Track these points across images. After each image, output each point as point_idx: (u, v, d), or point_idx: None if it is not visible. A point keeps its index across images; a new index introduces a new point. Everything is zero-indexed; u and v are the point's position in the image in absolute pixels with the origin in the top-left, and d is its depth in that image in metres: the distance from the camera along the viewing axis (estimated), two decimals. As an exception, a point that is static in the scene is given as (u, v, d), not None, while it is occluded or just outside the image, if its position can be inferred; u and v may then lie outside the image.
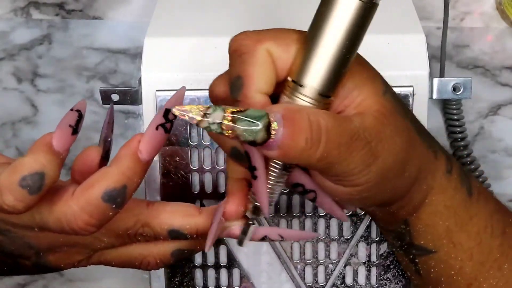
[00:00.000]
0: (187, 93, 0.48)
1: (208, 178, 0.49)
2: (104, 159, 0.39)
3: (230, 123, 0.33)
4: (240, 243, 0.39)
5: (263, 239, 0.40)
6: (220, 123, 0.33)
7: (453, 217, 0.42)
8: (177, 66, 0.49)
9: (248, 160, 0.36)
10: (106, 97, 0.50)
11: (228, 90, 0.37)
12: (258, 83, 0.35)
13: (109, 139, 0.40)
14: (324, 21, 0.34)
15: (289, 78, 0.35)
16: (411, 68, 0.49)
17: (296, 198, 0.50)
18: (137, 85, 0.50)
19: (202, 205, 0.50)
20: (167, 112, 0.36)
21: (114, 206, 0.36)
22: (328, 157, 0.35)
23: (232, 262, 0.51)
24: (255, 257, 0.51)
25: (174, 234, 0.40)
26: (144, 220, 0.40)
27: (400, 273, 0.51)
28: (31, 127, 0.65)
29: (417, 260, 0.43)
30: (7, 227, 0.40)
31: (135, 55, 0.63)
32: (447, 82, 0.50)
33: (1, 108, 0.64)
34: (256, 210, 0.38)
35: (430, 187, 0.41)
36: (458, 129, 0.61)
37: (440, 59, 0.60)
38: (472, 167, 0.61)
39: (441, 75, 0.60)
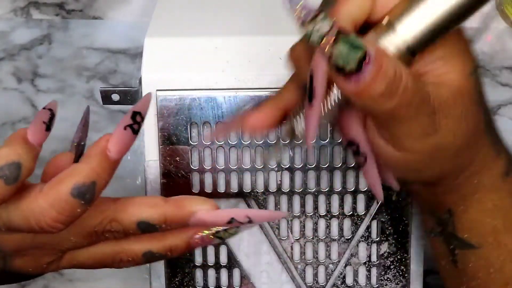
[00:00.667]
0: (187, 93, 0.49)
1: (208, 178, 0.49)
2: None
3: (332, 40, 0.33)
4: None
5: (230, 222, 0.39)
6: (323, 35, 0.33)
7: (502, 218, 0.42)
8: (177, 66, 0.49)
9: (309, 82, 0.35)
10: (106, 97, 0.50)
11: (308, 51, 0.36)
12: (351, 7, 0.35)
13: (82, 143, 0.42)
14: None
15: (385, 20, 0.35)
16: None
17: (296, 198, 0.50)
18: (137, 85, 0.50)
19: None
20: (134, 114, 0.37)
21: (83, 202, 0.36)
22: (396, 112, 0.35)
23: (232, 262, 0.51)
24: (255, 257, 0.51)
25: (143, 226, 0.39)
26: (112, 215, 0.39)
27: (400, 273, 0.51)
28: (31, 127, 0.65)
29: (456, 252, 0.43)
30: None
31: (135, 55, 0.63)
32: (447, 82, 0.50)
33: (1, 108, 0.64)
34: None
35: (482, 184, 0.41)
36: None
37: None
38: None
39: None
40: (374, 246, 0.50)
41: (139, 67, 0.49)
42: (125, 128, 0.37)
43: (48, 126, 0.37)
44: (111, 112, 0.63)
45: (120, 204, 0.40)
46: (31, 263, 0.41)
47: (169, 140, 0.48)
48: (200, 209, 0.39)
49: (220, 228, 0.40)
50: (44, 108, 0.38)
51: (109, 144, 0.37)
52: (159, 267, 0.51)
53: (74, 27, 0.63)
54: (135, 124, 0.37)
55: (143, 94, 0.48)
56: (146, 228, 0.39)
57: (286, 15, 0.53)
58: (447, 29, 0.35)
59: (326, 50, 0.33)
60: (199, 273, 0.51)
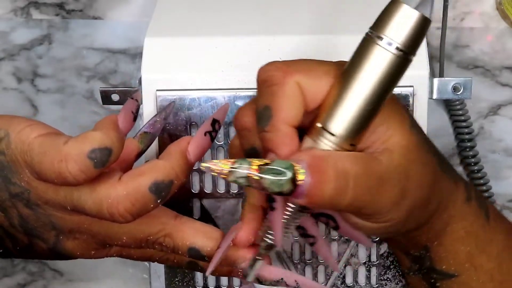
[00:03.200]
0: (187, 93, 0.49)
1: (208, 178, 0.49)
2: (140, 154, 0.42)
3: (257, 177, 0.33)
4: (246, 276, 0.39)
5: (279, 281, 0.40)
6: (247, 177, 0.34)
7: (474, 241, 0.42)
8: (177, 66, 0.49)
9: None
10: (106, 97, 0.50)
11: (255, 120, 0.37)
12: (287, 115, 0.35)
13: (156, 135, 0.43)
14: (357, 73, 0.34)
15: (318, 124, 0.35)
16: (411, 68, 0.48)
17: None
18: (137, 85, 0.50)
19: (202, 205, 0.50)
20: (214, 122, 0.40)
21: (157, 198, 0.37)
22: (357, 202, 0.35)
23: (232, 262, 0.51)
24: (255, 257, 0.51)
25: (193, 253, 0.40)
26: (169, 230, 0.40)
27: (400, 273, 0.51)
28: (31, 127, 0.65)
29: (438, 284, 0.44)
30: (39, 202, 0.40)
31: (135, 55, 0.63)
32: (447, 82, 0.50)
33: (1, 108, 0.64)
34: (268, 247, 0.38)
35: (451, 215, 0.41)
36: (466, 130, 0.61)
37: (439, 58, 0.60)
38: (476, 168, 0.61)
39: (441, 75, 0.60)
40: (373, 246, 0.50)
41: (139, 67, 0.49)
42: (205, 134, 0.39)
43: (135, 117, 0.39)
44: (111, 112, 0.63)
45: (180, 223, 0.41)
46: (81, 248, 0.42)
47: (169, 140, 0.48)
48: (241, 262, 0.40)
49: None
50: (131, 98, 0.39)
51: (189, 146, 0.39)
52: (159, 267, 0.51)
53: (74, 27, 0.63)
54: (214, 131, 0.40)
55: (143, 94, 0.48)
56: (195, 255, 0.40)
57: (286, 15, 0.53)
58: (377, 112, 0.35)
59: (257, 186, 0.34)
60: (199, 273, 0.51)
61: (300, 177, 0.34)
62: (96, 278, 0.68)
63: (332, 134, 0.35)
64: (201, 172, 0.49)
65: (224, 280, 0.51)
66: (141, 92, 0.49)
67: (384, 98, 0.35)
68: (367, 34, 0.35)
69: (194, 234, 0.40)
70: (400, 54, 0.34)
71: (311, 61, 0.37)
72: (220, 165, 0.34)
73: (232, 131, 0.49)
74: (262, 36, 0.50)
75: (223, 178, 0.34)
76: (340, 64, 0.36)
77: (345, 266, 0.51)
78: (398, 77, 0.35)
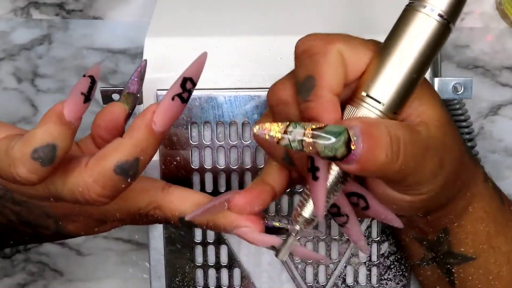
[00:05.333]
0: (191, 96, 0.48)
1: (209, 178, 0.49)
2: (128, 116, 0.40)
3: (311, 140, 0.33)
4: (277, 253, 0.39)
5: (270, 248, 0.39)
6: (301, 140, 0.33)
7: (493, 222, 0.43)
8: (177, 66, 0.49)
9: (310, 161, 0.35)
10: (106, 97, 0.50)
11: (294, 93, 0.36)
12: (331, 83, 0.35)
13: (138, 95, 0.40)
14: (401, 41, 0.35)
15: (363, 93, 0.35)
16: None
17: (297, 198, 0.50)
18: (137, 85, 0.49)
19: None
20: (184, 80, 0.35)
21: (126, 178, 0.36)
22: (405, 169, 0.35)
23: (233, 262, 0.51)
24: (256, 257, 0.51)
25: (185, 222, 0.40)
26: (158, 202, 0.40)
27: (401, 272, 0.51)
28: (31, 127, 0.65)
29: (453, 270, 0.44)
30: (23, 198, 0.40)
31: (135, 55, 0.63)
32: (448, 82, 0.50)
33: (1, 108, 0.64)
34: (307, 222, 0.37)
35: (473, 194, 0.42)
36: (466, 130, 0.61)
37: (439, 58, 0.60)
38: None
39: (440, 74, 0.60)
40: (374, 246, 0.50)
41: (139, 67, 0.49)
42: (173, 98, 0.35)
43: (87, 97, 0.36)
44: (111, 112, 0.63)
45: (167, 194, 0.40)
46: (83, 228, 0.42)
47: (170, 140, 0.48)
48: (245, 226, 0.39)
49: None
50: (84, 76, 0.36)
51: (154, 116, 0.35)
52: (159, 267, 0.51)
53: (74, 27, 0.63)
54: (185, 92, 0.35)
55: (144, 94, 0.48)
56: (187, 224, 0.40)
57: (286, 15, 0.53)
58: (419, 81, 0.36)
59: (311, 150, 0.33)
60: (199, 273, 0.51)
61: (354, 142, 0.33)
62: (96, 278, 0.68)
63: (379, 102, 0.35)
64: (202, 172, 0.49)
65: (224, 280, 0.51)
66: (141, 92, 0.48)
67: (428, 65, 0.36)
68: (408, 4, 0.36)
69: (183, 204, 0.40)
70: (442, 21, 0.35)
71: (347, 34, 0.37)
72: (273, 128, 0.33)
73: (233, 131, 0.49)
74: (262, 36, 0.50)
75: (277, 142, 0.33)
76: (372, 40, 0.37)
77: (345, 266, 0.51)
78: (440, 45, 0.36)
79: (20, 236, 0.43)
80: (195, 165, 0.49)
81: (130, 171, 0.35)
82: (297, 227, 0.37)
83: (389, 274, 0.51)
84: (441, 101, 0.38)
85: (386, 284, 0.51)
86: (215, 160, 0.49)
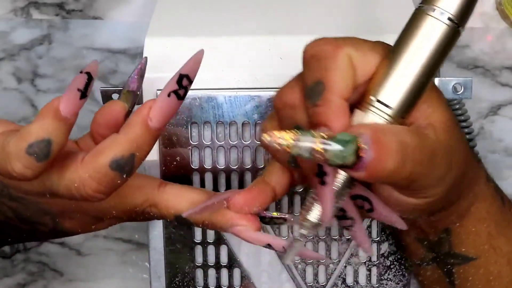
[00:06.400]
0: (187, 93, 0.48)
1: (208, 178, 0.49)
2: (128, 114, 0.40)
3: (321, 148, 0.33)
4: (283, 258, 0.39)
5: (266, 246, 0.39)
6: (311, 149, 0.33)
7: (494, 222, 0.43)
8: (177, 66, 0.49)
9: (318, 167, 0.35)
10: (106, 97, 0.50)
11: (301, 97, 0.36)
12: (340, 88, 0.35)
13: (138, 92, 0.41)
14: (410, 44, 0.35)
15: (371, 97, 0.35)
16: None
17: (297, 198, 0.50)
18: (137, 85, 0.49)
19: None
20: (181, 77, 0.35)
21: (122, 174, 0.36)
22: (413, 175, 0.35)
23: (232, 262, 0.51)
24: (255, 257, 0.51)
25: (180, 220, 0.40)
26: (154, 200, 0.40)
27: (401, 272, 0.51)
28: (31, 127, 0.65)
29: (454, 270, 0.44)
30: (20, 194, 0.40)
31: (135, 55, 0.63)
32: (448, 82, 0.50)
33: (1, 108, 0.64)
34: (313, 226, 0.37)
35: (476, 194, 0.42)
36: (466, 130, 0.61)
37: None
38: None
39: (440, 74, 0.60)
40: (374, 246, 0.50)
41: (139, 67, 0.49)
42: (169, 95, 0.35)
43: (84, 93, 0.35)
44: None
45: (163, 192, 0.40)
46: (79, 225, 0.42)
47: (169, 140, 0.48)
48: (241, 224, 0.39)
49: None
50: (81, 72, 0.36)
51: (151, 112, 0.35)
52: (159, 267, 0.51)
53: (74, 27, 0.63)
54: (181, 89, 0.35)
55: (144, 94, 0.48)
56: (182, 222, 0.40)
57: (286, 15, 0.53)
58: (427, 85, 0.36)
59: (320, 158, 0.33)
60: (199, 273, 0.51)
61: (363, 150, 0.33)
62: (96, 278, 0.68)
63: (388, 106, 0.35)
64: (202, 172, 0.49)
65: (224, 280, 0.51)
66: (141, 92, 0.48)
67: (436, 69, 0.35)
68: (418, 7, 0.36)
69: (179, 202, 0.40)
70: (452, 24, 0.35)
71: (355, 37, 0.37)
72: (282, 136, 0.33)
73: (233, 131, 0.49)
74: (262, 36, 0.50)
75: (286, 150, 0.33)
76: (382, 42, 0.37)
77: (345, 266, 0.51)
78: (449, 49, 0.35)
79: (18, 233, 0.43)
80: (195, 165, 0.49)
81: (125, 167, 0.35)
82: (304, 231, 0.37)
83: (389, 274, 0.51)
84: (447, 103, 0.38)
85: (386, 284, 0.51)
86: (215, 160, 0.49)
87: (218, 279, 0.51)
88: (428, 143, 0.36)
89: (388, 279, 0.51)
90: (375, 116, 0.35)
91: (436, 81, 0.50)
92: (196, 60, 0.36)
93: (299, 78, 0.37)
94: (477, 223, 0.43)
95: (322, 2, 0.54)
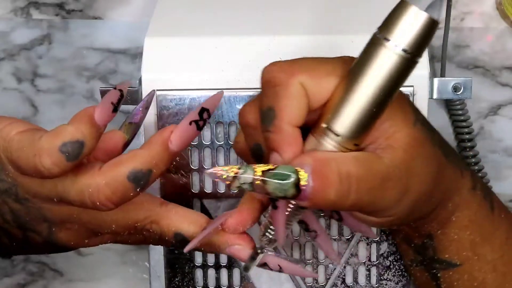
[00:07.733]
0: (187, 93, 0.49)
1: (208, 178, 0.49)
2: (126, 145, 0.42)
3: (261, 182, 0.34)
4: (246, 269, 0.41)
5: (263, 265, 0.40)
6: (251, 183, 0.34)
7: (478, 230, 0.43)
8: (177, 66, 0.49)
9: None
10: (106, 97, 0.50)
11: (259, 118, 0.37)
12: (291, 116, 0.35)
13: (140, 124, 0.43)
14: (363, 74, 0.34)
15: (323, 124, 0.35)
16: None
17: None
18: (137, 85, 0.50)
19: (202, 204, 0.50)
20: (202, 110, 0.38)
21: (136, 187, 0.37)
22: (360, 202, 0.35)
23: (232, 262, 0.51)
24: (255, 257, 0.51)
25: (179, 237, 0.41)
26: (154, 217, 0.41)
27: (400, 273, 0.51)
28: (31, 127, 0.65)
29: (439, 275, 0.44)
30: (27, 196, 0.41)
31: (135, 55, 0.63)
32: (448, 82, 0.50)
33: (1, 108, 0.64)
34: (270, 242, 0.39)
35: (456, 204, 0.42)
36: (466, 130, 0.61)
37: (441, 58, 0.60)
38: (476, 168, 0.61)
39: (442, 75, 0.60)
40: (373, 246, 0.50)
41: (139, 67, 0.49)
42: (190, 123, 0.38)
43: (116, 108, 0.38)
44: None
45: (166, 210, 0.42)
46: (74, 237, 0.43)
47: (169, 140, 0.48)
48: (237, 244, 0.41)
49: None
50: (114, 88, 0.38)
51: (172, 135, 0.38)
52: (159, 267, 0.51)
53: (74, 27, 0.63)
54: (201, 120, 0.38)
55: (143, 94, 0.48)
56: (181, 241, 0.41)
57: (286, 15, 0.53)
58: (381, 113, 0.35)
59: (261, 191, 0.34)
60: (199, 273, 0.51)
61: (303, 181, 0.34)
62: (96, 278, 0.68)
63: (337, 135, 0.35)
64: (202, 172, 0.49)
65: (224, 280, 0.51)
66: (141, 92, 0.49)
67: (389, 99, 0.35)
68: (374, 34, 0.35)
69: (180, 220, 0.41)
70: (406, 56, 0.34)
71: (314, 60, 0.37)
72: (224, 171, 0.34)
73: (233, 131, 0.49)
74: (262, 36, 0.50)
75: (227, 184, 0.34)
76: (343, 60, 0.36)
77: (345, 266, 0.51)
78: (403, 79, 0.35)
79: (9, 240, 0.43)
80: (194, 165, 0.49)
81: (142, 180, 0.37)
82: (262, 245, 0.40)
83: (388, 274, 0.51)
84: (416, 118, 0.37)
85: (386, 284, 0.51)
86: (214, 160, 0.49)
87: (217, 279, 0.51)
88: (379, 168, 0.35)
89: (388, 279, 0.51)
90: (327, 143, 0.35)
91: (436, 81, 0.50)
92: (217, 98, 0.39)
93: (260, 99, 0.37)
94: (460, 231, 0.42)
95: (322, 2, 0.54)
